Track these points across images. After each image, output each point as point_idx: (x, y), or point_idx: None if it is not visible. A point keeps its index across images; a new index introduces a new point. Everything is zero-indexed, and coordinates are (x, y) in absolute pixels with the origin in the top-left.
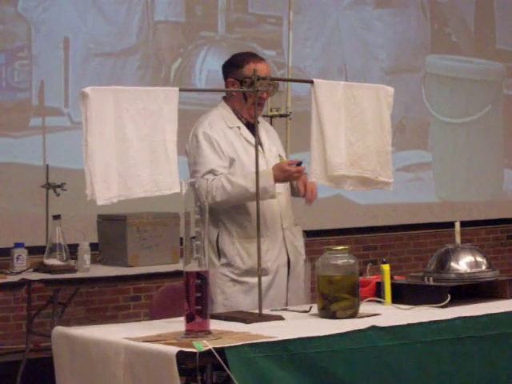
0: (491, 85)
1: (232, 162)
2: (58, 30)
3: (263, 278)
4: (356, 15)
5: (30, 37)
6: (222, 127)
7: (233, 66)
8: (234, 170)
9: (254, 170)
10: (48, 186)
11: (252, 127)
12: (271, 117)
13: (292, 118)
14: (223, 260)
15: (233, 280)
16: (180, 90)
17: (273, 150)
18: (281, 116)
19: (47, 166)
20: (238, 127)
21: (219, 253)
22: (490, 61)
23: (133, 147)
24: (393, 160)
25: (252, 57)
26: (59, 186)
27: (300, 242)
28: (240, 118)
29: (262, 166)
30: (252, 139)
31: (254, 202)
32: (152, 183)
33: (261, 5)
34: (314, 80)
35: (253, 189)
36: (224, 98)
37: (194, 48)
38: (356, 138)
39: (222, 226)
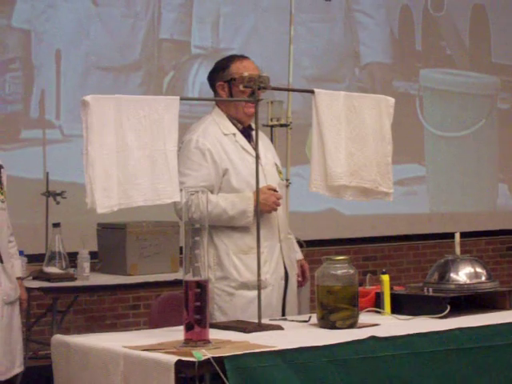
0: (486, 99)
1: (225, 172)
2: (50, 43)
3: (262, 291)
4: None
5: (21, 49)
6: (216, 134)
7: (219, 70)
8: (227, 178)
9: (248, 179)
10: (48, 194)
11: (247, 134)
12: (271, 126)
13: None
14: (218, 273)
15: (230, 294)
16: (181, 99)
17: (268, 157)
18: (281, 126)
19: (47, 173)
20: (234, 134)
21: (214, 266)
22: (484, 74)
23: (133, 156)
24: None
25: (235, 56)
26: (59, 194)
27: (294, 255)
28: (235, 124)
29: (259, 174)
30: (248, 146)
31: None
32: (152, 192)
33: None
34: (315, 90)
35: (231, 212)
36: (217, 104)
37: (187, 61)
38: (356, 148)
39: (216, 239)
